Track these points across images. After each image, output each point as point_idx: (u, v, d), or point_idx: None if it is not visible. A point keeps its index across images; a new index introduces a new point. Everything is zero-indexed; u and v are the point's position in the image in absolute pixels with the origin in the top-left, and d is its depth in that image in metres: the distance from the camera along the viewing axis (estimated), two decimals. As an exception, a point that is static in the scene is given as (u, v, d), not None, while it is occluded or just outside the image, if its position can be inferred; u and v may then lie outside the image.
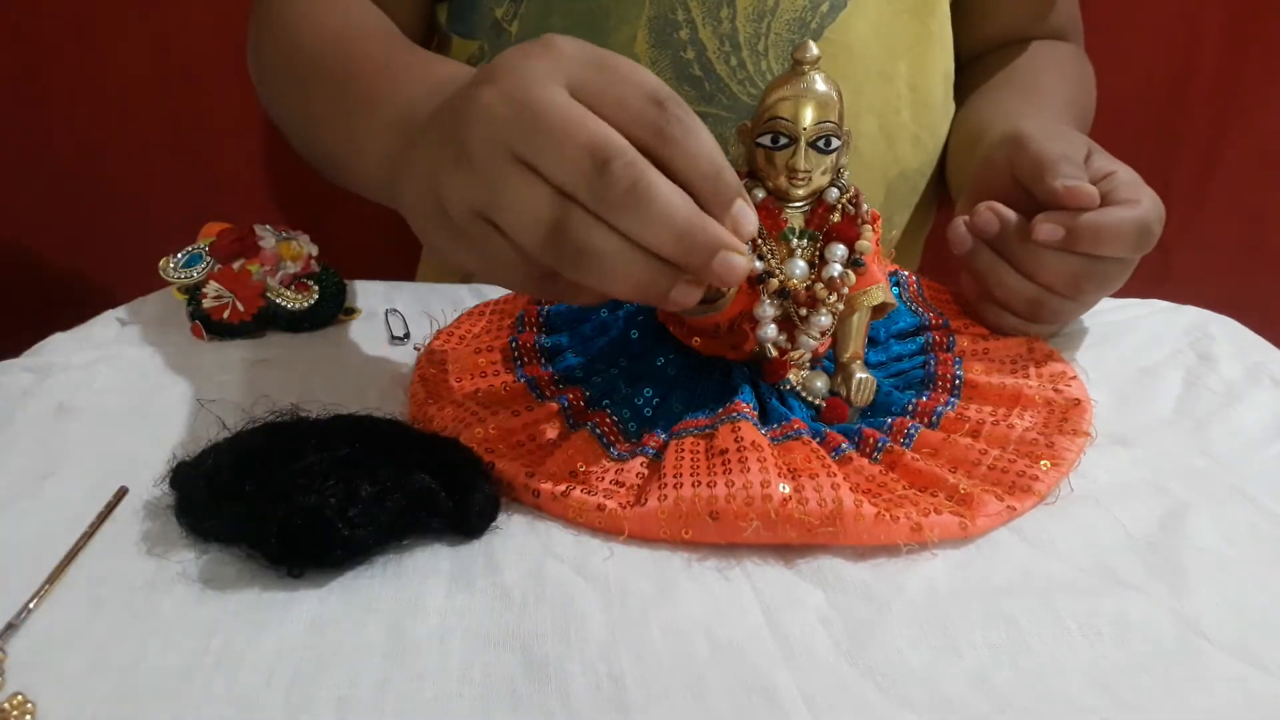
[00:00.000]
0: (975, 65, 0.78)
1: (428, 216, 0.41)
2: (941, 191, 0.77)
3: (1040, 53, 0.76)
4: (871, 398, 0.47)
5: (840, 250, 0.45)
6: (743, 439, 0.41)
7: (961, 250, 0.55)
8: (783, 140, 0.44)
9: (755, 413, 0.44)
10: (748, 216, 0.39)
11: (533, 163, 0.36)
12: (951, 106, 0.75)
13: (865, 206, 0.46)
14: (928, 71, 0.71)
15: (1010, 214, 0.54)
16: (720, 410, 0.44)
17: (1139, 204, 0.52)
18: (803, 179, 0.45)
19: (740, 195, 0.39)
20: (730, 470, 0.40)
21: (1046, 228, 0.51)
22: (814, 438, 0.44)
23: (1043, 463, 0.43)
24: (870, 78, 0.69)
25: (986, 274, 0.54)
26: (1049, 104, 0.70)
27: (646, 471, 0.42)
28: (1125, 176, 0.54)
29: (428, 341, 0.53)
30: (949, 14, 0.73)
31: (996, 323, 0.55)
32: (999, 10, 0.77)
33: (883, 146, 0.71)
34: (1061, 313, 0.55)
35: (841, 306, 0.46)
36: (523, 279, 0.40)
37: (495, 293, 0.59)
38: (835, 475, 0.40)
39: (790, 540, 0.39)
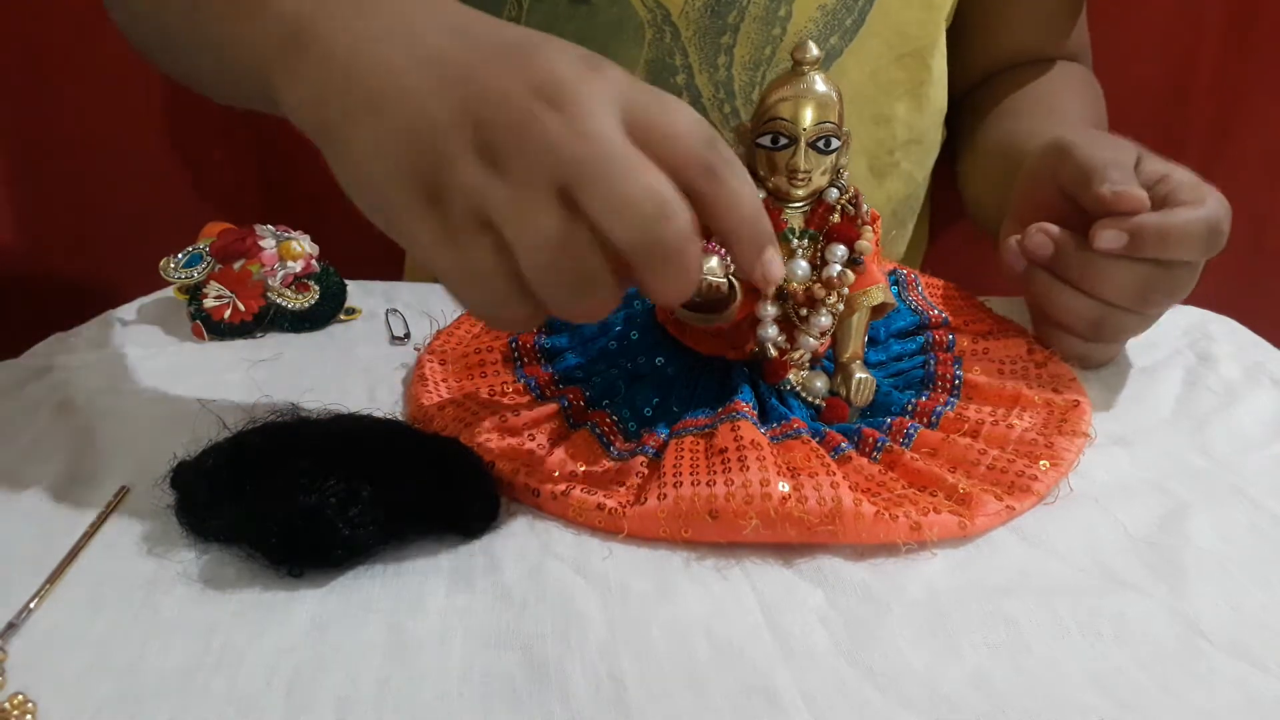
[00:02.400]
0: (986, 86, 0.76)
1: (393, 178, 0.36)
2: (934, 218, 0.77)
3: (1058, 75, 0.75)
4: (871, 397, 0.47)
5: (840, 251, 0.45)
6: (742, 438, 0.41)
7: (1018, 269, 0.53)
8: (783, 141, 0.44)
9: (755, 412, 0.44)
10: (775, 265, 0.39)
11: (581, 200, 0.34)
12: (941, 137, 0.74)
13: (865, 207, 0.46)
14: (925, 111, 0.71)
15: (1062, 232, 0.51)
16: (720, 409, 0.44)
17: (1204, 203, 0.49)
18: (802, 179, 0.45)
19: (772, 242, 0.38)
20: (730, 469, 0.40)
21: (1108, 234, 0.48)
22: (814, 437, 0.44)
23: (1042, 463, 0.43)
24: (863, 121, 0.69)
25: (1044, 297, 0.52)
26: (1073, 124, 0.68)
27: (646, 471, 0.42)
28: (1183, 177, 0.52)
29: (428, 341, 0.53)
30: (945, 50, 0.72)
31: (1060, 347, 0.52)
32: (1015, 29, 0.75)
33: (872, 185, 0.71)
34: (1126, 328, 0.52)
35: (841, 307, 0.46)
36: (490, 294, 0.36)
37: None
38: (835, 474, 0.40)
39: (789, 539, 0.39)
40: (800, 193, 0.45)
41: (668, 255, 0.34)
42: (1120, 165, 0.51)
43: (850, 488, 0.40)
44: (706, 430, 0.43)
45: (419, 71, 0.36)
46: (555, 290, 0.36)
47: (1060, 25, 0.76)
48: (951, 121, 0.76)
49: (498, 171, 0.34)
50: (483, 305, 0.37)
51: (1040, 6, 0.75)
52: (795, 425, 0.44)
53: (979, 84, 0.76)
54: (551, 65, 0.35)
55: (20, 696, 0.31)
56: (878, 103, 0.69)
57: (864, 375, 0.47)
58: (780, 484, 0.39)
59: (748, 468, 0.40)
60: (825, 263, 0.45)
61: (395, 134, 0.35)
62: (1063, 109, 0.71)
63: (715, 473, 0.40)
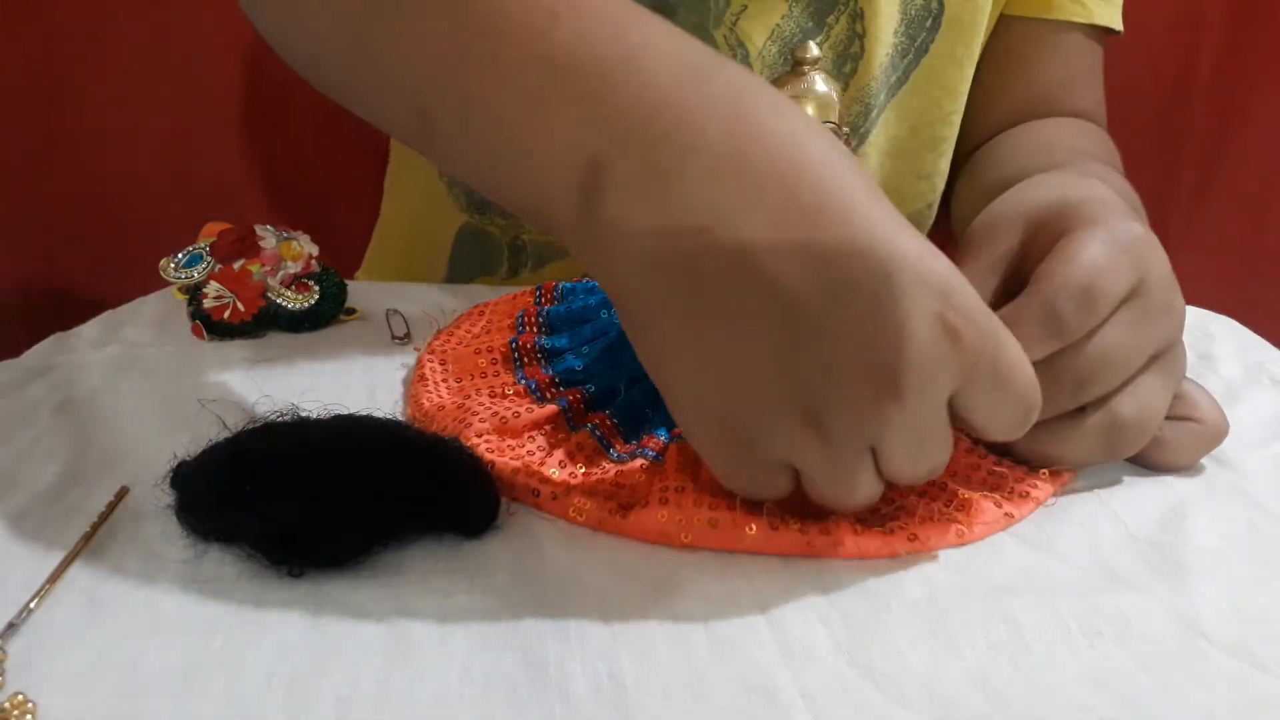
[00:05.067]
0: (990, 143, 0.76)
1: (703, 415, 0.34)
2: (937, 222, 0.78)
3: (1060, 120, 0.74)
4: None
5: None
6: None
7: None
8: (783, 140, 0.44)
9: None
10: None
11: (968, 411, 0.33)
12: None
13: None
14: (940, 167, 0.74)
15: None
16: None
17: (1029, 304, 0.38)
18: (803, 179, 0.45)
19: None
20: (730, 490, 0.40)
21: None
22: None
23: (1041, 471, 0.43)
24: (905, 176, 0.72)
25: None
26: (1064, 154, 0.67)
27: (646, 474, 0.42)
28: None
29: (428, 342, 0.53)
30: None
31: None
32: (1024, 90, 0.74)
33: None
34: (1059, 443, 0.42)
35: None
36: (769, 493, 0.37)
37: (494, 293, 0.59)
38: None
39: (788, 551, 0.39)
40: (800, 193, 0.45)
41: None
42: (1089, 293, 0.38)
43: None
44: (707, 435, 0.43)
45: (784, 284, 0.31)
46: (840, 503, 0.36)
47: (1070, 92, 0.75)
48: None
49: (819, 434, 0.33)
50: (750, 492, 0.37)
51: (1052, 71, 0.75)
52: None
53: (980, 145, 0.77)
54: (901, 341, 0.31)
55: (20, 696, 0.31)
56: (921, 158, 0.71)
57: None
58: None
59: None
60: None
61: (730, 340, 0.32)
62: (1060, 144, 0.70)
63: (718, 493, 0.40)
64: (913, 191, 0.73)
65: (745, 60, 0.66)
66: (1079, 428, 0.41)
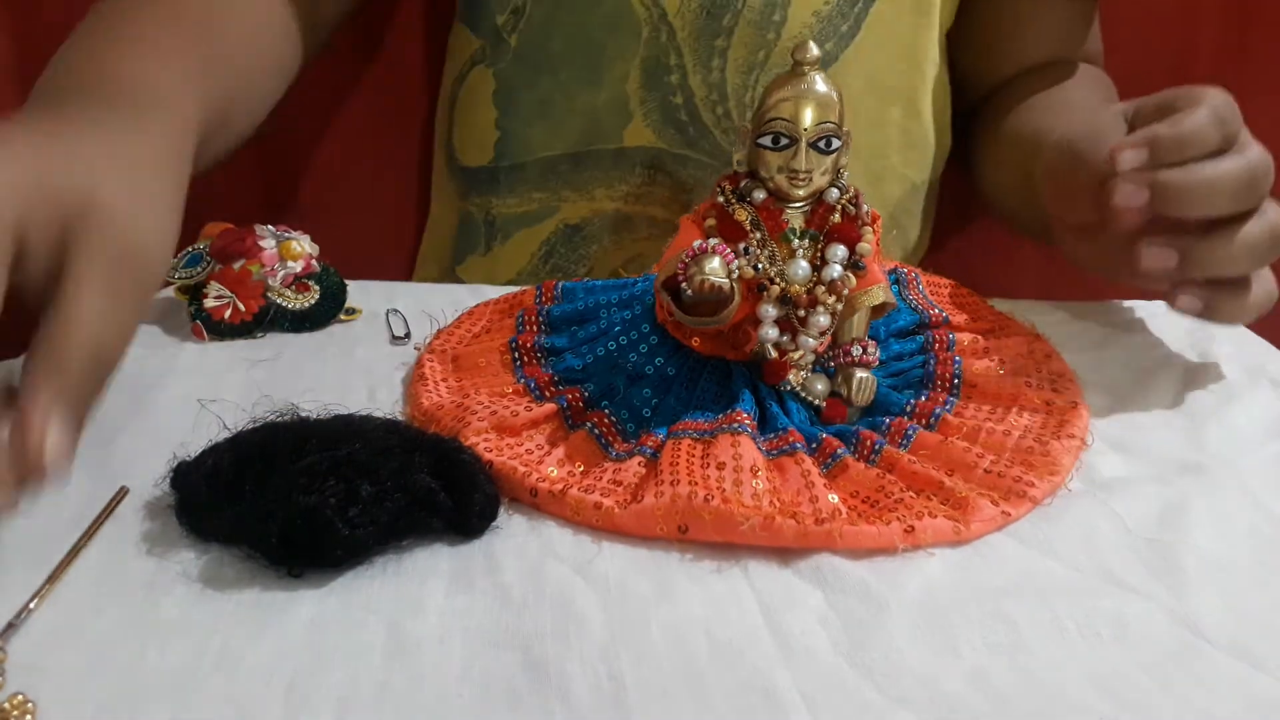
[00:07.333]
0: (1007, 87, 0.76)
1: None
2: (937, 222, 0.77)
3: (1078, 76, 0.75)
4: (872, 397, 0.47)
5: (840, 251, 0.45)
6: (741, 460, 0.41)
7: (1136, 202, 0.48)
8: (783, 141, 0.44)
9: (755, 423, 0.44)
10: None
11: None
12: (947, 141, 0.75)
13: (865, 207, 0.46)
14: (920, 116, 0.72)
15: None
16: (720, 417, 0.44)
17: (1197, 104, 0.51)
18: (803, 179, 0.45)
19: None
20: (724, 485, 0.40)
21: (1125, 155, 0.48)
22: (810, 441, 0.44)
23: (1038, 470, 0.43)
24: (859, 127, 0.68)
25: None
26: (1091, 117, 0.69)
27: (644, 471, 0.42)
28: (1179, 92, 0.53)
29: (428, 341, 0.53)
30: (942, 58, 0.73)
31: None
32: (1033, 37, 0.76)
33: (867, 188, 0.71)
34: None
35: (840, 306, 0.46)
36: None
37: (495, 293, 0.59)
38: (824, 523, 0.39)
39: (786, 543, 0.39)
40: (801, 193, 0.45)
41: None
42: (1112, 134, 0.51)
43: (844, 499, 0.40)
44: (705, 436, 0.43)
45: None
46: None
47: (1076, 33, 0.77)
48: (970, 123, 0.77)
49: None
50: None
51: (1057, 17, 0.76)
52: (791, 439, 0.43)
53: (999, 87, 0.77)
54: None
55: (20, 696, 0.31)
56: (872, 108, 0.70)
57: (864, 375, 0.47)
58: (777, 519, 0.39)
59: (742, 491, 0.40)
60: (825, 262, 0.45)
61: None
62: (1083, 105, 0.71)
63: (711, 485, 0.40)
64: (869, 143, 0.70)
65: (662, 17, 0.65)
66: (1250, 232, 0.48)
